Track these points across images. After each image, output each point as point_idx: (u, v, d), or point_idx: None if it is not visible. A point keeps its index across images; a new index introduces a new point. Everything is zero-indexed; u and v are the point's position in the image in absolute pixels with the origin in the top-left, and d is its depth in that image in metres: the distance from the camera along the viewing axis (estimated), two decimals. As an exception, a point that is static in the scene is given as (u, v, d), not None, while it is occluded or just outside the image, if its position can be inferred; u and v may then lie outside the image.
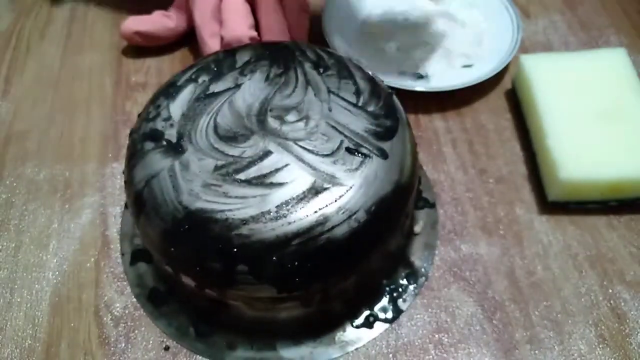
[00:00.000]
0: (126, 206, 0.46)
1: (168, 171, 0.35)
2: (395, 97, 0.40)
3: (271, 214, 0.33)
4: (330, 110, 0.37)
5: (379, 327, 0.40)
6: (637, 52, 0.56)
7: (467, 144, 0.50)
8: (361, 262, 0.36)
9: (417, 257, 0.43)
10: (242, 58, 0.41)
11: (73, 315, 0.41)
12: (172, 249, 0.35)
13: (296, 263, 0.33)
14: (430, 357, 0.39)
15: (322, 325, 0.40)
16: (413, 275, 0.43)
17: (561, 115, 0.46)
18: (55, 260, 0.44)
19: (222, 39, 0.53)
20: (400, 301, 0.41)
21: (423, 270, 0.43)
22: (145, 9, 0.57)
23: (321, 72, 0.40)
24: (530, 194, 0.47)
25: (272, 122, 0.37)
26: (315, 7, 0.57)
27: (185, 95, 0.39)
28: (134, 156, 0.37)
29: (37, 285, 0.43)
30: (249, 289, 0.34)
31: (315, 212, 0.33)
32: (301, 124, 0.37)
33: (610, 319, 0.40)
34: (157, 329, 0.41)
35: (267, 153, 0.35)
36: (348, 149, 0.36)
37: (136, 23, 0.56)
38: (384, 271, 0.42)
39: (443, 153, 0.50)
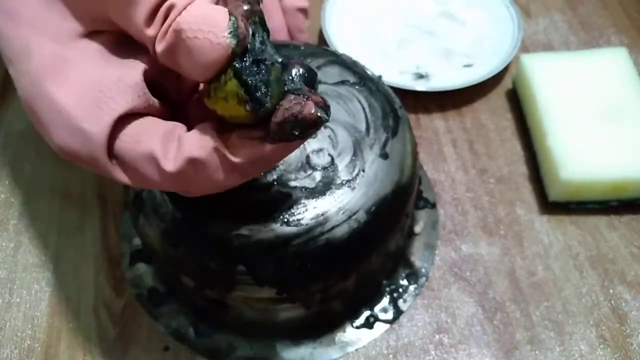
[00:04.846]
0: (126, 206, 0.46)
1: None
2: (395, 97, 0.40)
3: (271, 214, 0.33)
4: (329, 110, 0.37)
5: (379, 327, 0.40)
6: (638, 52, 0.56)
7: (468, 144, 0.50)
8: (361, 263, 0.36)
9: (417, 257, 0.43)
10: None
11: (72, 315, 0.41)
12: (172, 249, 0.35)
13: (296, 264, 0.33)
14: (431, 357, 0.39)
15: (322, 325, 0.40)
16: (413, 275, 0.43)
17: (562, 115, 0.46)
18: (54, 261, 0.44)
19: None
20: (400, 301, 0.41)
21: (423, 270, 0.43)
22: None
23: (320, 72, 0.40)
24: (530, 194, 0.47)
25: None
26: (315, 6, 0.57)
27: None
28: (133, 156, 0.37)
29: (36, 286, 0.43)
30: (248, 289, 0.34)
31: (315, 212, 0.33)
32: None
33: (611, 320, 0.40)
34: (157, 329, 0.40)
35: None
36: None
37: None
38: (384, 271, 0.41)
39: (443, 153, 0.49)
